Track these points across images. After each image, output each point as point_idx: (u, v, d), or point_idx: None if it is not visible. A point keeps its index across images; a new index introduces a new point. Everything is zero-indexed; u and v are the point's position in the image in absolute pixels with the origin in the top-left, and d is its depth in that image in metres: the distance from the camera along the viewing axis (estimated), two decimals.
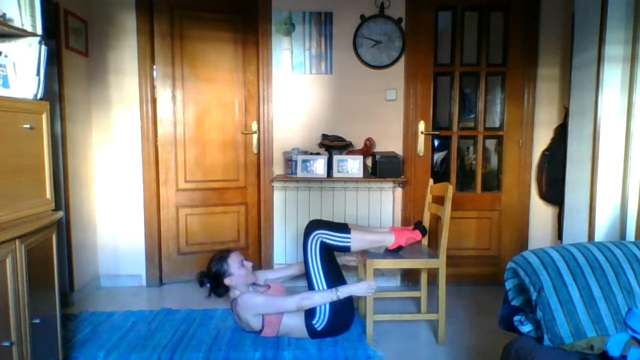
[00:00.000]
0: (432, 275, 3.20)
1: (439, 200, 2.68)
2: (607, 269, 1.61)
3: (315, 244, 2.50)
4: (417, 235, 2.63)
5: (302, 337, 2.51)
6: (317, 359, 2.33)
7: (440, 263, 2.55)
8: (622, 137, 2.28)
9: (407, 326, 2.78)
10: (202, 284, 2.61)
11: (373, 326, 2.54)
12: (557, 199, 3.29)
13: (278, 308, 2.45)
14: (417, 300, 3.10)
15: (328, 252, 2.53)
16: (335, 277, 2.54)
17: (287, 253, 3.51)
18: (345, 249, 2.55)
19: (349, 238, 2.52)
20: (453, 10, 3.49)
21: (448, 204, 2.51)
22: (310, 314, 2.49)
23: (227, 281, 2.53)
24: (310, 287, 2.52)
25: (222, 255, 2.59)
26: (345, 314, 2.55)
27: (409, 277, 3.52)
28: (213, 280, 2.57)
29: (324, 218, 3.45)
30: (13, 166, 1.67)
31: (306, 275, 2.55)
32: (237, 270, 2.54)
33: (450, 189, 2.51)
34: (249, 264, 2.60)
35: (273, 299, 2.48)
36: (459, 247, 3.51)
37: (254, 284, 2.67)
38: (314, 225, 2.57)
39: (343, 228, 2.58)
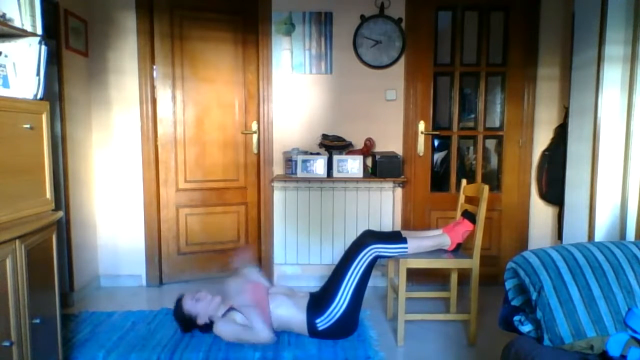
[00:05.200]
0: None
1: (471, 200, 2.70)
2: (607, 269, 1.60)
3: (367, 259, 2.47)
4: (468, 225, 2.60)
5: (301, 333, 2.51)
6: (317, 358, 2.32)
7: (473, 263, 2.53)
8: (622, 137, 2.29)
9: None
10: (189, 331, 2.55)
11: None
12: (557, 199, 3.29)
13: (243, 339, 2.38)
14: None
15: (370, 270, 2.50)
16: (360, 297, 2.51)
17: (287, 253, 3.51)
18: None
19: (405, 247, 2.51)
20: (453, 10, 3.49)
21: (483, 205, 2.50)
22: (317, 311, 2.47)
23: (201, 322, 2.48)
24: (333, 294, 2.47)
25: (177, 308, 2.52)
26: (352, 321, 2.53)
27: (413, 278, 3.51)
28: (194, 327, 2.51)
29: (324, 218, 3.46)
30: (13, 166, 1.67)
31: (334, 281, 2.51)
32: (197, 309, 2.47)
33: (486, 190, 2.50)
34: (202, 294, 2.52)
35: (239, 332, 2.40)
36: None
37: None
38: (370, 238, 2.55)
39: (398, 238, 2.57)
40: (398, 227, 3.51)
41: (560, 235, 3.31)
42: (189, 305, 2.49)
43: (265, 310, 2.47)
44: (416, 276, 3.39)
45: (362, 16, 3.43)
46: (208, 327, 2.49)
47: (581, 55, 2.52)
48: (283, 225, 3.50)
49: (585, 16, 2.49)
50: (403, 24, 3.44)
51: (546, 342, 1.53)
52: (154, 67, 3.42)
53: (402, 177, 3.39)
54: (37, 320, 1.76)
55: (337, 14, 3.44)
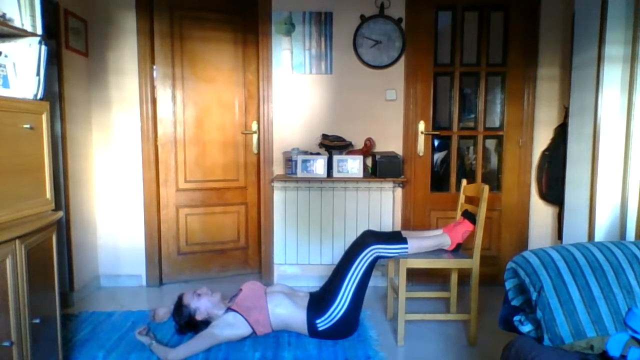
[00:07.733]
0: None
1: (471, 200, 2.70)
2: (607, 269, 1.61)
3: (368, 259, 2.47)
4: (468, 225, 2.60)
5: (300, 333, 2.52)
6: (317, 358, 2.32)
7: (474, 263, 2.52)
8: (622, 137, 2.28)
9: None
10: (184, 333, 2.53)
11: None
12: (557, 199, 3.29)
13: (202, 347, 2.37)
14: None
15: (371, 270, 2.50)
16: (361, 297, 2.51)
17: (287, 253, 3.51)
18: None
19: (406, 248, 2.51)
20: (453, 10, 3.49)
21: (483, 205, 2.50)
22: (317, 312, 2.48)
23: (199, 317, 2.46)
24: (334, 295, 2.47)
25: (177, 303, 2.52)
26: (352, 322, 2.53)
27: (413, 278, 3.51)
28: (191, 326, 2.48)
29: (324, 218, 3.46)
30: (13, 166, 1.67)
31: (335, 282, 2.51)
32: (197, 303, 2.47)
33: (486, 190, 2.50)
34: (203, 290, 2.54)
35: (195, 345, 2.37)
36: None
37: (230, 299, 2.64)
38: (370, 238, 2.55)
39: (398, 238, 2.57)
40: (398, 227, 3.52)
41: (560, 235, 3.31)
42: (189, 299, 2.49)
43: (262, 308, 2.47)
44: (416, 276, 3.39)
45: (362, 16, 3.43)
46: (205, 325, 2.49)
47: (581, 55, 2.52)
48: (283, 225, 3.49)
49: (585, 16, 2.49)
50: (403, 24, 3.44)
51: (546, 342, 1.53)
52: (154, 67, 3.42)
53: (402, 177, 3.39)
54: (37, 320, 1.76)
55: (337, 14, 3.44)
